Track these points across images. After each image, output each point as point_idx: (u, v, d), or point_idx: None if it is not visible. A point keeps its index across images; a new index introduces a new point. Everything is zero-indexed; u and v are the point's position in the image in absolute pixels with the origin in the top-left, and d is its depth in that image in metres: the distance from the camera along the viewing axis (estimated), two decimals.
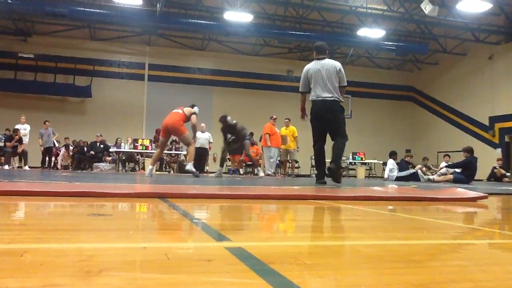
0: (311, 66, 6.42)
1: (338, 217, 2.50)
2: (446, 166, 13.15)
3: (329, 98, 6.18)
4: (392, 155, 14.09)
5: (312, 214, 2.64)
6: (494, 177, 15.65)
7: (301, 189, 4.76)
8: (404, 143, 22.81)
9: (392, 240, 1.56)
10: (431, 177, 13.13)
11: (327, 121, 6.29)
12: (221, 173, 10.99)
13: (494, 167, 16.25)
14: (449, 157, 15.37)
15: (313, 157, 18.47)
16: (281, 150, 14.14)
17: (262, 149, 14.90)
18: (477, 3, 16.25)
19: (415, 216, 2.52)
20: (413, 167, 13.62)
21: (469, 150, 12.29)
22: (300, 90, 6.57)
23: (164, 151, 16.63)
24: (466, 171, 12.03)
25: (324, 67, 6.26)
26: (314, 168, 9.77)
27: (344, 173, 19.13)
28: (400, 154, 14.84)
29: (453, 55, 21.93)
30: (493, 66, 20.11)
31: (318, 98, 6.22)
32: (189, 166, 8.98)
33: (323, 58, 6.42)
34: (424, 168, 13.88)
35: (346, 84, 6.33)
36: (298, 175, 15.38)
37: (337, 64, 6.35)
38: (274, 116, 13.86)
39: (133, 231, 1.58)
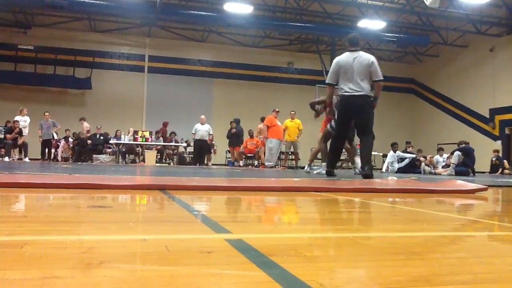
0: (343, 58, 6.01)
1: (338, 209, 2.51)
2: (451, 154, 13.26)
3: (359, 93, 5.82)
4: (392, 146, 14.14)
5: (312, 206, 2.64)
6: (502, 167, 15.66)
7: (301, 181, 4.76)
8: (404, 135, 22.76)
9: (392, 232, 1.56)
10: (432, 170, 13.23)
11: (356, 118, 6.03)
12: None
13: (493, 159, 16.32)
14: (443, 151, 15.14)
15: (313, 148, 18.43)
16: (284, 142, 14.19)
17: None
18: None
19: (414, 208, 2.52)
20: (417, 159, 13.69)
21: (460, 143, 13.11)
22: (327, 81, 6.11)
23: (165, 143, 16.68)
24: (466, 157, 12.27)
25: (356, 60, 5.87)
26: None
27: (344, 165, 19.14)
28: (401, 146, 14.85)
29: (454, 47, 21.84)
30: (494, 58, 20.04)
31: (348, 93, 5.86)
32: (320, 169, 8.34)
33: (356, 50, 6.00)
34: (426, 160, 13.92)
35: (380, 78, 5.91)
36: (293, 167, 15.37)
37: (371, 57, 5.96)
38: (277, 109, 13.87)
39: (133, 223, 1.58)
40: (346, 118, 6.10)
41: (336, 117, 6.45)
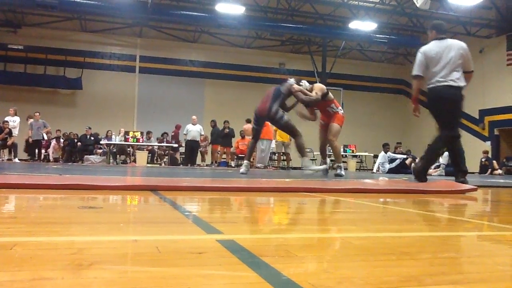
0: (430, 47, 5.34)
1: (330, 210, 2.51)
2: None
3: (449, 84, 5.14)
4: (383, 147, 14.19)
5: (304, 207, 2.64)
6: (491, 167, 15.82)
7: (292, 182, 4.77)
8: (395, 136, 22.89)
9: (383, 233, 1.56)
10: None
11: (439, 110, 5.31)
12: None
13: (482, 159, 16.49)
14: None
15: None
16: (276, 142, 14.18)
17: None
18: None
19: (405, 209, 2.53)
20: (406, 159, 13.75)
21: None
22: (414, 73, 5.38)
23: (155, 144, 16.62)
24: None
25: (446, 49, 5.22)
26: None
27: (335, 165, 19.16)
28: (392, 147, 14.92)
29: None
30: (483, 60, 20.18)
31: (434, 85, 5.21)
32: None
33: (444, 38, 5.36)
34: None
35: (472, 69, 5.28)
36: (285, 167, 15.39)
37: (463, 44, 5.30)
38: None
39: (124, 224, 1.57)
40: (436, 113, 5.35)
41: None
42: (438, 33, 5.44)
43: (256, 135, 7.64)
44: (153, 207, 2.33)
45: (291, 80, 7.28)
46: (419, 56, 5.42)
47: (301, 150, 7.36)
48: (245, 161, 7.45)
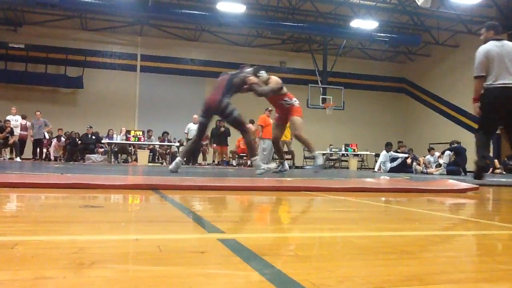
0: (491, 47, 5.41)
1: (331, 209, 2.51)
2: (446, 150, 13.37)
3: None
4: (386, 146, 14.17)
5: (305, 206, 2.65)
6: (492, 166, 15.85)
7: (293, 181, 4.77)
8: (396, 134, 22.88)
9: (384, 232, 1.56)
10: (424, 170, 13.32)
11: (507, 112, 5.39)
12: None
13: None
14: (434, 150, 15.21)
15: (305, 149, 18.37)
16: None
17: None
18: None
19: (407, 208, 2.53)
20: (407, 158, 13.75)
21: (451, 143, 13.29)
22: (478, 74, 5.45)
23: (157, 143, 16.62)
24: (457, 157, 12.45)
25: (506, 50, 5.35)
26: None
27: (336, 164, 19.21)
28: (393, 146, 14.90)
29: (445, 47, 21.96)
30: None
31: (500, 85, 5.29)
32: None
33: (501, 39, 5.50)
34: (415, 161, 13.97)
35: None
36: (289, 167, 15.41)
37: None
38: (270, 108, 13.81)
39: (126, 223, 1.57)
40: (495, 113, 5.49)
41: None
42: (495, 34, 5.52)
43: (202, 130, 6.84)
44: (154, 206, 2.33)
45: (248, 70, 6.86)
46: (480, 56, 5.44)
47: (251, 148, 7.05)
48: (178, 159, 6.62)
